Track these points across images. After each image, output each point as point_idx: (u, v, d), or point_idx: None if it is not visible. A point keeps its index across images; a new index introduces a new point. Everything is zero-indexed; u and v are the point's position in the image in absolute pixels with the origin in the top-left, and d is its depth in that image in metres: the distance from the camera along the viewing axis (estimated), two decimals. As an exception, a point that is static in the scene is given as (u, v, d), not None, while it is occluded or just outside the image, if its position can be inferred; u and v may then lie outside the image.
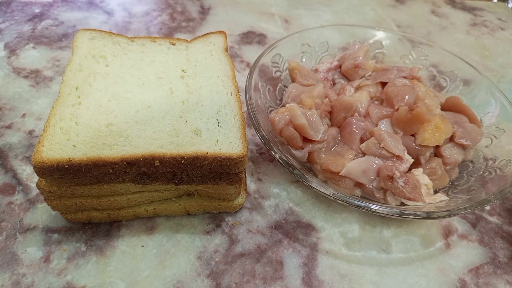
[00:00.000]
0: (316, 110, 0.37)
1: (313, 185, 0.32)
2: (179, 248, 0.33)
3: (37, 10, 0.57)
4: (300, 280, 0.31)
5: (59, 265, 0.31)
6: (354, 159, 0.35)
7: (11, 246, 0.32)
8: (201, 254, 0.32)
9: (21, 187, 0.36)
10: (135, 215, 0.33)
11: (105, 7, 0.59)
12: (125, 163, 0.27)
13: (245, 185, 0.35)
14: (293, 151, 0.36)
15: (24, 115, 0.42)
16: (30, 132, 0.41)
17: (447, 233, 0.36)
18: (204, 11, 0.60)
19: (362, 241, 0.34)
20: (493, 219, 0.37)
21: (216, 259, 0.32)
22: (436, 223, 0.36)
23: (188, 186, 0.31)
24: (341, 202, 0.31)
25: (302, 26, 0.59)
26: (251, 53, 0.38)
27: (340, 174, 0.34)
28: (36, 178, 0.36)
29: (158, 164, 0.27)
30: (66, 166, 0.26)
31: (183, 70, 0.34)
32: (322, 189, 0.31)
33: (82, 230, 0.33)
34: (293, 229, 0.35)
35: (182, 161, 0.27)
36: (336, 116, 0.38)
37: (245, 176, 0.33)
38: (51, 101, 0.44)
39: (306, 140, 0.36)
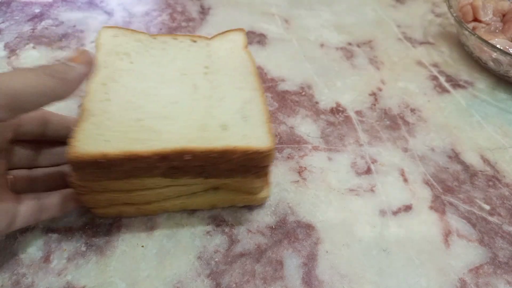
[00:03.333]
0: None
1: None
2: (179, 248, 0.33)
3: (37, 10, 0.57)
4: (300, 280, 0.31)
5: (59, 265, 0.31)
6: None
7: (11, 246, 0.32)
8: (201, 254, 0.32)
9: (21, 187, 0.36)
10: (164, 209, 0.34)
11: (105, 7, 0.59)
12: (157, 157, 0.27)
13: (270, 179, 0.35)
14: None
15: (24, 115, 0.42)
16: (30, 132, 0.41)
17: (447, 232, 0.36)
18: (204, 11, 0.60)
19: (362, 241, 0.34)
20: (493, 219, 0.37)
21: (216, 259, 0.32)
22: (436, 223, 0.36)
23: (216, 179, 0.31)
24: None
25: (302, 26, 0.59)
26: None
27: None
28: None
29: (189, 158, 0.28)
30: (101, 161, 0.26)
31: (205, 67, 0.35)
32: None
33: (82, 230, 0.33)
34: (293, 229, 0.35)
35: (212, 155, 0.28)
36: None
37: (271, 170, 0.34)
38: (51, 101, 0.44)
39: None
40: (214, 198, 0.34)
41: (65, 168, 0.32)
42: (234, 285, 0.31)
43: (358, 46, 0.56)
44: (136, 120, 0.29)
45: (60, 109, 0.44)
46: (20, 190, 0.29)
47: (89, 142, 0.27)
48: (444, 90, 0.51)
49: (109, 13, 0.58)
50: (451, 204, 0.38)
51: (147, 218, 0.34)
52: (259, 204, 0.36)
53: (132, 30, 0.38)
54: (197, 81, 0.33)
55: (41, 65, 0.25)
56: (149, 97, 0.31)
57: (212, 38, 0.39)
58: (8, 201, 0.27)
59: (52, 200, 0.31)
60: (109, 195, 0.31)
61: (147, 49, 0.36)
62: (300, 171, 0.39)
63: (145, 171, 0.28)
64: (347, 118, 0.45)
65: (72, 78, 0.25)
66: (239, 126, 0.30)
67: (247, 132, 0.29)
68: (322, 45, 0.55)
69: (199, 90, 0.33)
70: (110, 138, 0.27)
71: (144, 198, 0.32)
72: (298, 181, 0.38)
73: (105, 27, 0.37)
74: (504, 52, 0.46)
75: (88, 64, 0.27)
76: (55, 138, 0.33)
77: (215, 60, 0.36)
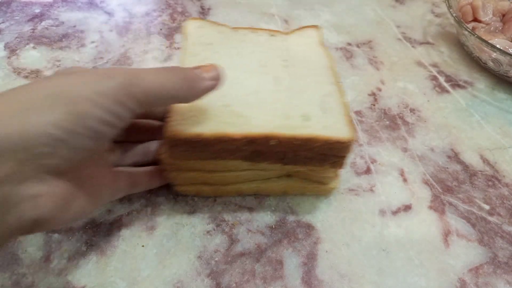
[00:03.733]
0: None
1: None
2: (179, 248, 0.33)
3: (37, 10, 0.57)
4: (300, 280, 0.31)
5: (59, 265, 0.31)
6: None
7: (11, 246, 0.32)
8: (201, 254, 0.32)
9: (21, 187, 0.36)
10: (238, 192, 0.36)
11: (105, 7, 0.60)
12: (245, 140, 0.29)
13: (340, 171, 0.37)
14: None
15: (24, 115, 0.42)
16: (30, 132, 0.41)
17: (447, 232, 0.36)
18: (204, 11, 0.60)
19: (362, 241, 0.34)
20: (493, 219, 0.37)
21: (216, 259, 0.32)
22: (436, 223, 0.36)
23: (294, 166, 0.33)
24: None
25: (302, 26, 0.59)
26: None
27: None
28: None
29: (274, 143, 0.29)
30: (196, 140, 0.28)
31: (283, 60, 0.36)
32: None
33: (82, 230, 0.33)
34: (293, 229, 0.35)
35: (295, 142, 0.29)
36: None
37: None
38: (51, 101, 0.44)
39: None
40: (287, 184, 0.36)
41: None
42: (234, 284, 0.31)
43: (358, 46, 0.56)
44: (224, 105, 0.31)
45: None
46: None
47: (185, 123, 0.29)
48: (444, 90, 0.51)
49: (109, 13, 0.58)
50: (450, 204, 0.38)
51: (147, 218, 0.34)
52: (327, 195, 0.37)
53: (214, 22, 0.40)
54: (277, 73, 0.35)
55: (175, 67, 0.27)
56: (234, 86, 0.33)
57: (289, 33, 0.41)
58: (109, 178, 0.30)
59: (143, 176, 0.33)
60: (193, 174, 0.33)
61: (229, 41, 0.38)
62: (300, 171, 0.39)
63: (230, 153, 0.30)
64: (347, 118, 0.45)
65: (200, 89, 0.27)
66: (319, 117, 0.31)
67: (328, 123, 0.31)
68: (322, 45, 0.55)
69: (280, 81, 0.34)
70: (203, 120, 0.30)
71: (224, 179, 0.34)
72: (298, 181, 0.38)
73: (191, 19, 0.40)
74: (504, 52, 0.46)
75: (216, 80, 0.29)
76: (154, 117, 0.35)
77: (292, 54, 0.37)
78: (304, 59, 0.37)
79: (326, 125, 0.31)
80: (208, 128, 0.29)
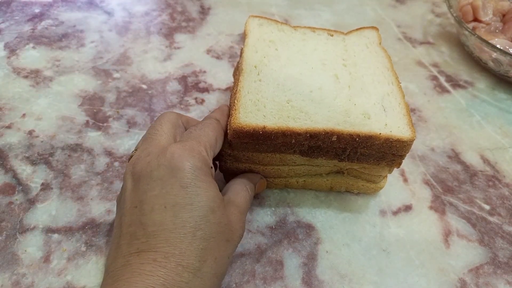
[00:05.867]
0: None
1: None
2: (179, 248, 0.33)
3: (37, 10, 0.57)
4: (300, 280, 0.31)
5: (59, 265, 0.31)
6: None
7: (11, 246, 0.32)
8: (201, 254, 0.32)
9: (21, 187, 0.36)
10: (286, 185, 0.37)
11: (105, 7, 0.59)
12: (308, 135, 0.30)
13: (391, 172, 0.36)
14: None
15: (24, 115, 0.42)
16: (30, 132, 0.41)
17: (447, 233, 0.36)
18: (204, 11, 0.60)
19: (362, 241, 0.34)
20: (493, 219, 0.37)
21: (216, 259, 0.32)
22: (436, 223, 0.36)
23: (349, 163, 0.33)
24: None
25: (302, 26, 0.59)
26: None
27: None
28: (35, 178, 0.36)
29: (335, 139, 0.30)
30: (260, 132, 0.29)
31: (343, 59, 0.37)
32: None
33: (82, 230, 0.33)
34: (293, 229, 0.35)
35: (357, 139, 0.30)
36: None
37: None
38: (51, 101, 0.44)
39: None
40: (334, 181, 0.36)
41: None
42: (234, 285, 0.31)
43: (358, 46, 0.56)
44: (287, 101, 0.32)
45: (61, 109, 0.44)
46: None
47: (250, 116, 0.30)
48: (444, 90, 0.51)
49: (109, 13, 0.58)
50: (451, 204, 0.38)
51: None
52: (372, 194, 0.38)
53: (275, 20, 0.41)
54: (337, 72, 0.36)
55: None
56: (296, 82, 0.34)
57: (347, 33, 0.41)
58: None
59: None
60: (248, 165, 0.34)
61: (289, 39, 0.39)
62: (300, 171, 0.39)
63: (289, 147, 0.31)
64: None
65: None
66: (380, 115, 0.32)
67: (388, 121, 0.32)
68: (322, 45, 0.55)
69: (340, 80, 0.35)
70: (266, 114, 0.31)
71: (276, 172, 0.35)
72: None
73: (252, 16, 0.41)
74: (504, 52, 0.46)
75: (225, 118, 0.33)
76: None
77: (352, 54, 0.38)
78: (363, 59, 0.38)
79: (387, 123, 0.31)
80: (271, 121, 0.30)
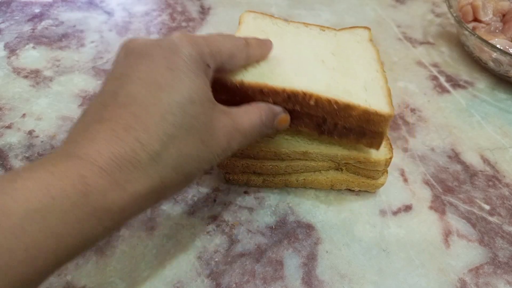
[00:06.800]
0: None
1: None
2: (179, 248, 0.33)
3: (37, 10, 0.57)
4: (300, 280, 0.31)
5: (59, 265, 0.31)
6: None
7: (11, 246, 0.32)
8: (201, 254, 0.32)
9: (21, 187, 0.36)
10: (286, 183, 0.37)
11: (105, 7, 0.59)
12: (286, 94, 0.30)
13: (388, 166, 0.37)
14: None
15: (24, 115, 0.42)
16: (30, 132, 0.41)
17: (447, 233, 0.36)
18: (204, 11, 0.60)
19: (362, 241, 0.34)
20: (493, 219, 0.37)
21: (216, 259, 0.32)
22: (436, 223, 0.36)
23: (330, 138, 0.33)
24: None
25: (302, 26, 0.58)
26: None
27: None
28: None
29: (313, 104, 0.31)
30: (238, 86, 0.30)
31: (333, 50, 0.38)
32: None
33: (82, 230, 0.33)
34: (293, 229, 0.35)
35: (335, 106, 0.30)
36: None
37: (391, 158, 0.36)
38: (51, 101, 0.44)
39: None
40: (334, 178, 0.36)
41: None
42: (234, 285, 0.31)
43: (358, 46, 0.56)
44: (270, 70, 0.33)
45: (61, 109, 0.44)
46: None
47: (232, 73, 0.30)
48: (444, 90, 0.51)
49: (109, 13, 0.58)
50: (451, 204, 0.38)
51: (147, 218, 0.34)
52: (372, 194, 0.38)
53: (270, 15, 0.42)
54: (325, 58, 0.36)
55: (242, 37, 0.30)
56: (283, 64, 0.34)
57: (339, 30, 0.42)
58: None
59: None
60: (245, 161, 0.35)
61: (283, 32, 0.40)
62: (300, 171, 0.39)
63: None
64: (347, 118, 0.45)
65: (252, 54, 0.31)
66: (361, 93, 0.32)
67: (368, 98, 0.32)
68: (322, 45, 0.55)
69: (326, 64, 0.36)
70: (246, 72, 0.31)
71: (274, 169, 0.35)
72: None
73: (247, 11, 0.42)
74: (504, 52, 0.46)
75: (265, 53, 0.33)
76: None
77: (342, 48, 0.39)
78: (352, 50, 0.39)
79: (367, 100, 0.32)
80: (251, 78, 0.31)
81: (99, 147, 0.20)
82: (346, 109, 0.30)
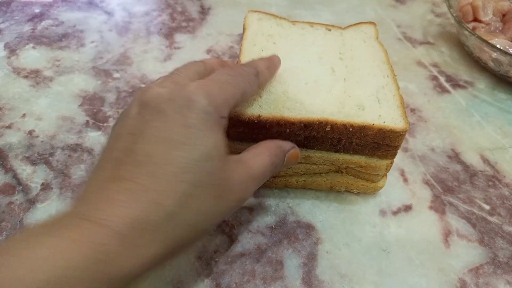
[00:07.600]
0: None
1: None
2: (179, 248, 0.33)
3: (37, 10, 0.57)
4: (300, 280, 0.31)
5: (59, 265, 0.31)
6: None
7: (11, 246, 0.32)
8: (201, 254, 0.32)
9: (21, 187, 0.36)
10: (286, 184, 0.37)
11: (105, 7, 0.59)
12: (302, 124, 0.31)
13: (389, 170, 0.37)
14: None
15: (24, 115, 0.42)
16: (30, 132, 0.41)
17: (447, 233, 0.36)
18: (204, 11, 0.60)
19: (362, 241, 0.34)
20: (493, 219, 0.37)
21: (216, 259, 0.32)
22: (436, 223, 0.36)
23: (345, 155, 0.34)
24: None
25: (302, 26, 0.58)
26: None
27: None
28: (35, 178, 0.36)
29: (328, 129, 0.31)
30: (255, 121, 0.30)
31: (340, 53, 0.38)
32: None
33: (82, 230, 0.33)
34: (293, 229, 0.35)
35: (350, 129, 0.31)
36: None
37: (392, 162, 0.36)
38: (51, 101, 0.44)
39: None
40: (334, 180, 0.36)
41: None
42: (234, 285, 0.31)
43: (358, 46, 0.56)
44: (283, 92, 0.33)
45: (61, 108, 0.44)
46: None
47: (245, 105, 0.31)
48: (444, 90, 0.51)
49: (109, 13, 0.58)
50: (451, 204, 0.38)
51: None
52: (372, 194, 0.38)
53: (274, 15, 0.42)
54: (334, 65, 0.37)
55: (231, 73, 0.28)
56: (293, 74, 0.35)
57: (345, 28, 0.42)
58: None
59: None
60: None
61: (288, 33, 0.40)
62: (300, 171, 0.39)
63: (285, 137, 0.32)
64: (347, 118, 0.45)
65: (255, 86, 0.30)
66: (375, 106, 0.33)
67: (382, 113, 0.32)
68: (322, 45, 0.55)
69: (336, 73, 0.36)
70: (262, 104, 0.32)
71: None
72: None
73: (251, 11, 0.42)
74: (504, 52, 0.46)
75: (274, 72, 0.33)
76: None
77: (349, 48, 0.39)
78: (360, 52, 0.38)
79: (381, 114, 0.32)
80: (267, 111, 0.31)
81: (117, 210, 0.20)
82: (362, 130, 0.31)
